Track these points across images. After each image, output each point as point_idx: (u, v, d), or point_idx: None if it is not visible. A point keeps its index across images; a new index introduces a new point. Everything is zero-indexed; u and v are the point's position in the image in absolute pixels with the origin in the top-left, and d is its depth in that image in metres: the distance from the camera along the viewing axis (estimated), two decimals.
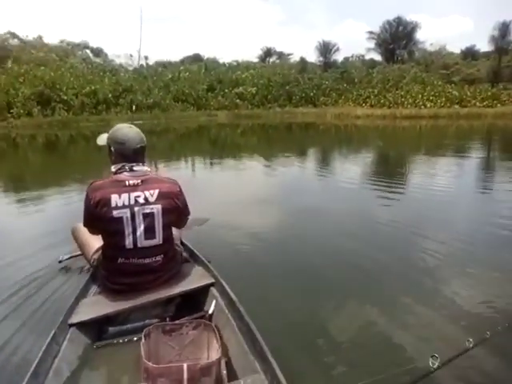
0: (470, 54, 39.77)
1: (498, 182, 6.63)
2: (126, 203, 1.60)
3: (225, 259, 2.86)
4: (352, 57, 44.32)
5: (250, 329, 1.39)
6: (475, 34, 78.46)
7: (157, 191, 1.66)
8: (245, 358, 1.34)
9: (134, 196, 1.62)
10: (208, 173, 8.00)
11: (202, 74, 32.23)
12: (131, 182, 1.63)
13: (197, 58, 44.74)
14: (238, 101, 29.07)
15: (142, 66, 36.63)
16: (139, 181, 1.65)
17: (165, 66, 38.05)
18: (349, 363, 1.74)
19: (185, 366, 1.20)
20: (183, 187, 1.81)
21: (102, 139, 1.83)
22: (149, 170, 1.74)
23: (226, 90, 29.79)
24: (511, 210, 4.45)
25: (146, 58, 39.58)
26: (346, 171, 7.82)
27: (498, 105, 25.26)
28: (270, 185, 6.47)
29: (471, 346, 0.94)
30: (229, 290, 1.66)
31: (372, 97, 28.70)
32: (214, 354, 1.33)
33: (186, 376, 1.19)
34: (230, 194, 5.38)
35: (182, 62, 43.63)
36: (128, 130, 1.74)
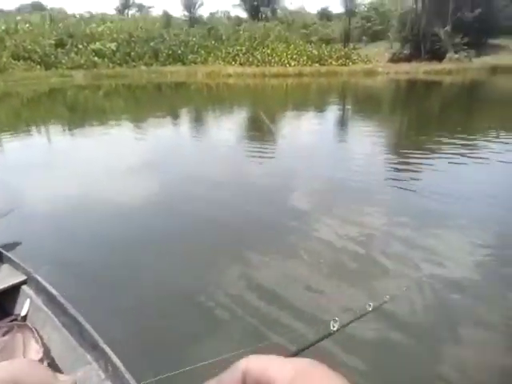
0: (325, 15, 42.89)
1: (352, 133, 7.51)
2: None
3: (45, 250, 2.55)
4: (217, 12, 43.31)
5: (77, 321, 1.21)
6: None
7: None
8: (73, 353, 1.16)
9: None
10: (62, 144, 6.95)
11: (46, 26, 27.31)
12: None
13: (37, 7, 37.63)
14: (95, 58, 25.78)
15: None
16: None
17: None
18: (240, 326, 1.71)
19: None
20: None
21: None
22: None
23: (80, 46, 26.03)
24: (363, 154, 5.10)
25: None
26: (218, 132, 7.75)
27: (350, 63, 28.39)
28: (130, 154, 5.98)
29: (370, 309, 0.96)
30: (46, 285, 1.42)
31: (241, 55, 28.99)
32: (34, 355, 1.10)
33: None
34: (65, 172, 4.89)
35: (18, 10, 36.28)
36: None
